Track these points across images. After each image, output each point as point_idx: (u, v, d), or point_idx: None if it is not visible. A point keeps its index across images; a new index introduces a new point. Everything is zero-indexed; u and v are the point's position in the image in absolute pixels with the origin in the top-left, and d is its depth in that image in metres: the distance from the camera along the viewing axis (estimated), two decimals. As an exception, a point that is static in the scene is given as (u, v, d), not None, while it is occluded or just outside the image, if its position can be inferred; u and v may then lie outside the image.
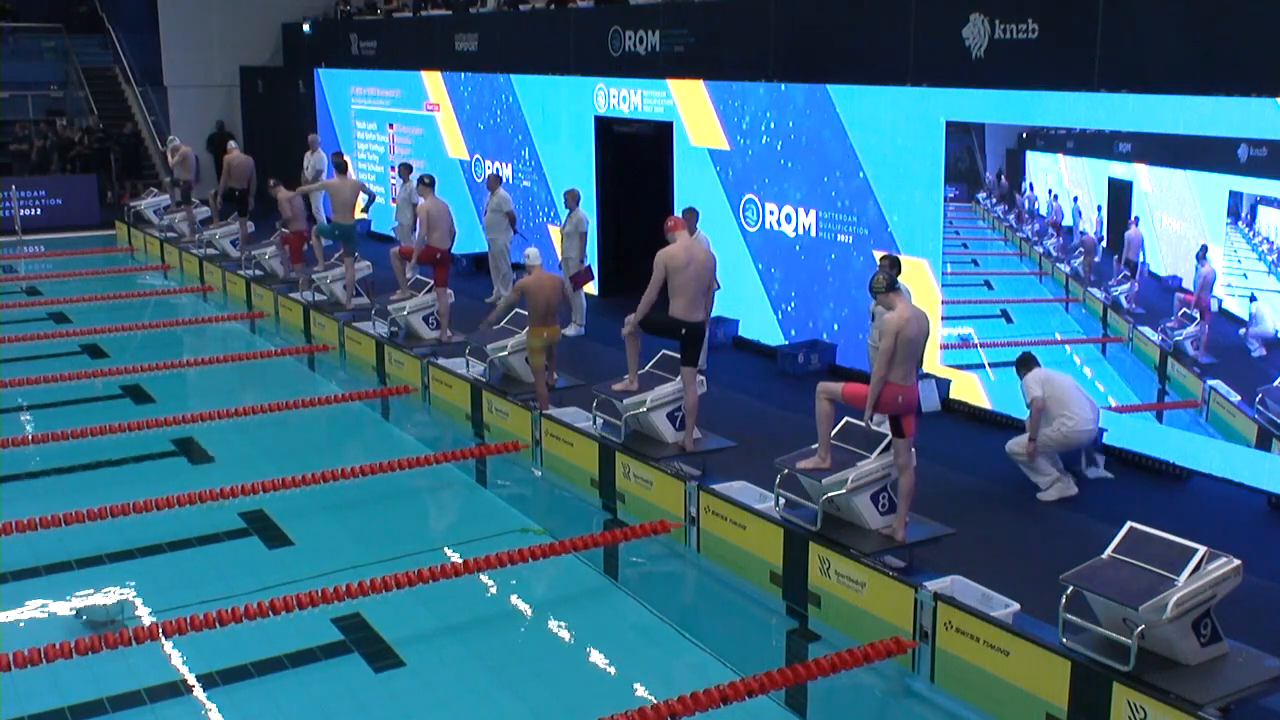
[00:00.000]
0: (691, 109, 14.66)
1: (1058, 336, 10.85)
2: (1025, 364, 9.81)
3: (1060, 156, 10.64)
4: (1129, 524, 6.96)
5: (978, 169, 11.30)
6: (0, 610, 8.37)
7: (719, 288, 10.64)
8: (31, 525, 9.22)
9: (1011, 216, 11.14)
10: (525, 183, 17.97)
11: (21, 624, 8.21)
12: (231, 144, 19.88)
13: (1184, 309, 9.79)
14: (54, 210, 24.36)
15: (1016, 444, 9.64)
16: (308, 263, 16.84)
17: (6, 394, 13.00)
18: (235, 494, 9.87)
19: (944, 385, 11.68)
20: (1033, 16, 10.66)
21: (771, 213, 13.66)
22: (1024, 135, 10.88)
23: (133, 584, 8.70)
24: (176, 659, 7.63)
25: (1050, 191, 10.79)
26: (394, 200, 19.17)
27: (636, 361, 10.28)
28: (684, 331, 9.69)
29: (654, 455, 9.82)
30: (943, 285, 11.71)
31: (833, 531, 8.27)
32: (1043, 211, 10.87)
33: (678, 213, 13.44)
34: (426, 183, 14.35)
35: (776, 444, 9.58)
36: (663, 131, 15.15)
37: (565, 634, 8.27)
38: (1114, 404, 10.43)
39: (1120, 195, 10.17)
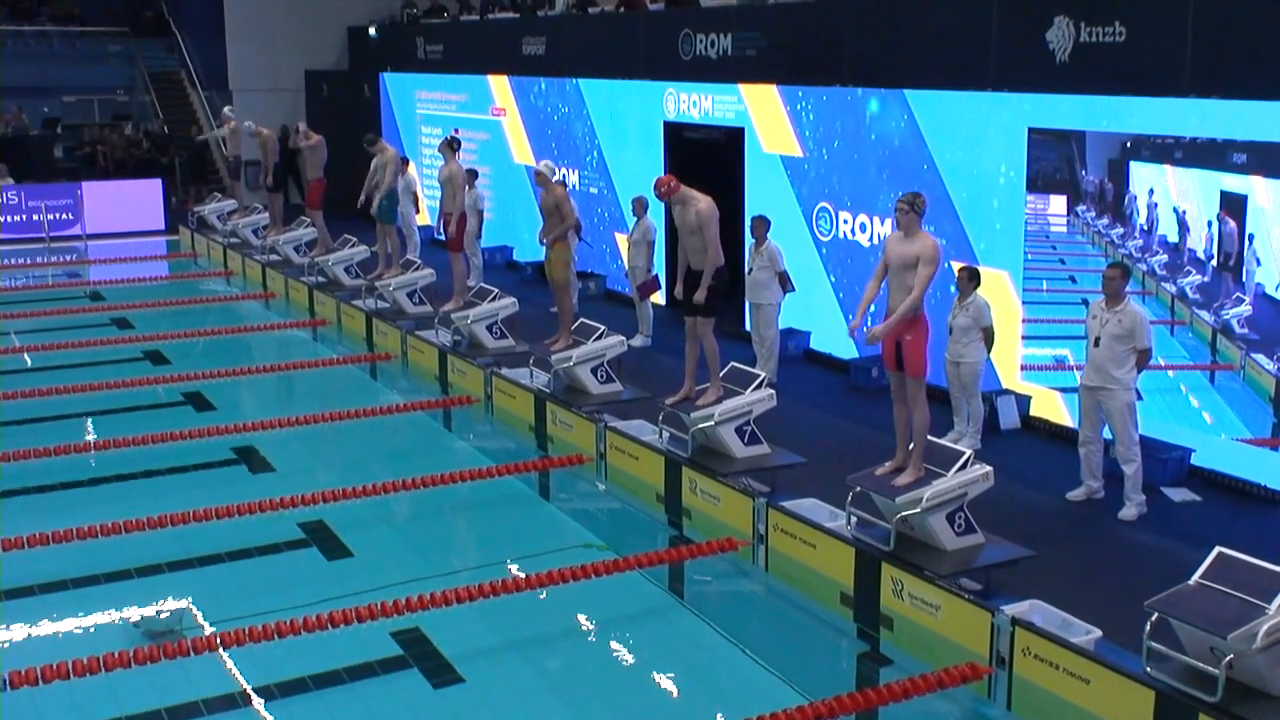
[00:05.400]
0: (763, 114, 14.41)
1: (1161, 362, 10.03)
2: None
3: (1167, 167, 10.06)
4: (1217, 549, 6.80)
5: (1077, 180, 10.87)
6: (60, 618, 8.35)
7: None
8: (92, 533, 9.20)
9: (1114, 231, 10.69)
10: (592, 189, 17.82)
11: (81, 632, 8.19)
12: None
13: None
14: (119, 214, 24.48)
15: None
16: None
17: (69, 400, 13.00)
18: (295, 504, 9.81)
19: (1023, 402, 11.35)
20: (1120, 19, 10.31)
21: (845, 221, 13.38)
22: (1128, 145, 10.37)
23: (192, 594, 8.62)
24: (235, 670, 7.55)
25: (1155, 205, 10.29)
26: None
27: (695, 366, 10.35)
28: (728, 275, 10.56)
29: (722, 470, 9.62)
30: (1023, 301, 11.33)
31: (906, 552, 8.06)
32: (1147, 227, 10.37)
33: (748, 220, 13.23)
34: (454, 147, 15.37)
35: (848, 460, 9.37)
36: (734, 137, 14.92)
37: (628, 653, 8.14)
38: (1225, 437, 9.89)
39: (1234, 209, 9.62)
